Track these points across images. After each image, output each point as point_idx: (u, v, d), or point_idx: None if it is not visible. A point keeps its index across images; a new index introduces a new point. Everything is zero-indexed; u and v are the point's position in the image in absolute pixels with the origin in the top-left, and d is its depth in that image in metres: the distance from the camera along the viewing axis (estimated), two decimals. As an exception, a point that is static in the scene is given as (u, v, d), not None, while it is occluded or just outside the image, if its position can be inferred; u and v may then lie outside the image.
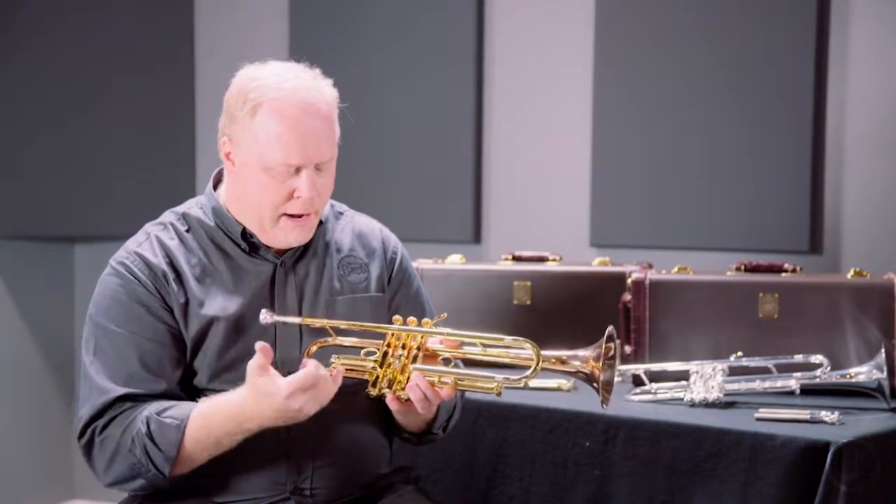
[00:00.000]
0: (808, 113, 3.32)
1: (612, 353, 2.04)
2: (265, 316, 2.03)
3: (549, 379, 2.73)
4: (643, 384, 2.66)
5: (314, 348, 2.06)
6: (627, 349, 2.80)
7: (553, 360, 2.06)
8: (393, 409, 2.10)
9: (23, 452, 4.20)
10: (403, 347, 2.07)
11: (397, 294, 2.27)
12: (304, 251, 2.18)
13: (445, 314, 2.18)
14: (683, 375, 2.62)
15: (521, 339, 2.04)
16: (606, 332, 2.04)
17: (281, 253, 2.16)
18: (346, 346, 2.09)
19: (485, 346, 2.08)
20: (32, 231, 4.12)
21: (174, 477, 2.05)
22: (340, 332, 2.10)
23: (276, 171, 2.05)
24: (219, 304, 2.10)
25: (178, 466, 2.04)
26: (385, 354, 2.07)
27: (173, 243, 2.13)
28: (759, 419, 2.42)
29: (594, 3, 3.61)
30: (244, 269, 2.14)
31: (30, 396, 4.23)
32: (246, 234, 2.14)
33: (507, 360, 2.08)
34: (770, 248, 3.34)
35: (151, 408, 2.03)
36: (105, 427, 2.05)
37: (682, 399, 2.58)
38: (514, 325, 2.93)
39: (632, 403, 2.60)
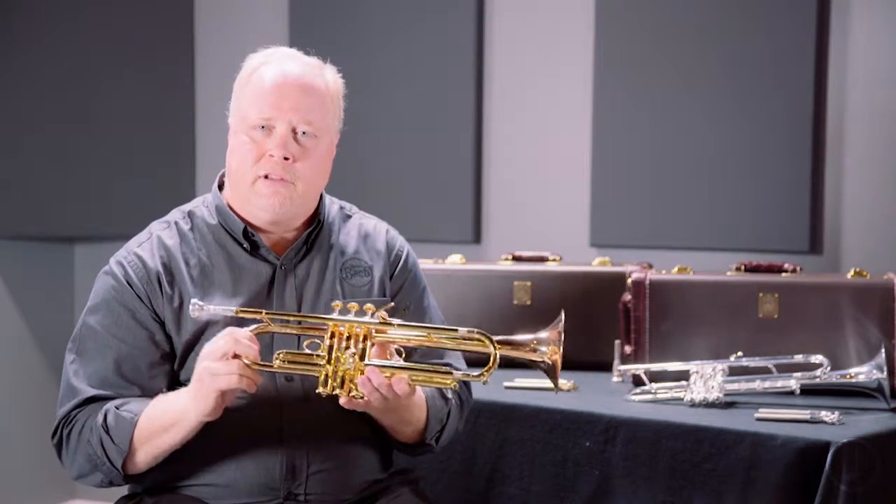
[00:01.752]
0: (808, 113, 3.32)
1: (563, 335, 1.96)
2: (194, 308, 1.99)
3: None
4: (643, 384, 2.66)
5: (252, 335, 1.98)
6: (627, 349, 2.80)
7: (505, 346, 1.95)
8: (349, 408, 1.99)
9: (23, 452, 4.20)
10: (349, 339, 1.95)
11: (398, 293, 2.22)
12: (305, 252, 2.16)
13: (392, 303, 2.12)
14: (683, 375, 2.62)
15: (475, 330, 1.95)
16: (561, 315, 1.98)
17: (282, 253, 2.14)
18: (283, 333, 2.03)
19: (435, 338, 1.98)
20: (32, 231, 4.12)
21: (128, 476, 2.05)
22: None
23: (255, 129, 2.07)
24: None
25: (129, 464, 2.05)
26: (330, 349, 1.95)
27: (174, 242, 2.12)
28: (759, 419, 2.42)
29: (594, 3, 3.61)
30: (244, 268, 2.13)
31: (30, 397, 4.22)
32: (247, 233, 2.13)
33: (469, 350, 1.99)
34: (770, 248, 3.34)
35: (114, 402, 2.05)
36: (73, 423, 2.07)
37: (682, 399, 2.58)
38: (514, 325, 2.92)
39: (632, 403, 2.60)
